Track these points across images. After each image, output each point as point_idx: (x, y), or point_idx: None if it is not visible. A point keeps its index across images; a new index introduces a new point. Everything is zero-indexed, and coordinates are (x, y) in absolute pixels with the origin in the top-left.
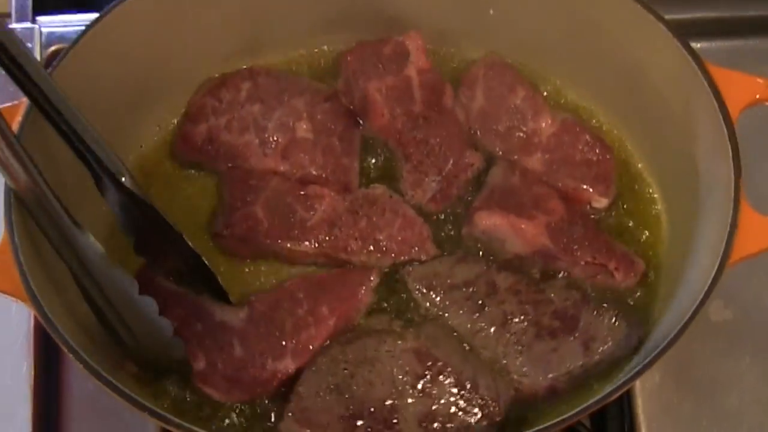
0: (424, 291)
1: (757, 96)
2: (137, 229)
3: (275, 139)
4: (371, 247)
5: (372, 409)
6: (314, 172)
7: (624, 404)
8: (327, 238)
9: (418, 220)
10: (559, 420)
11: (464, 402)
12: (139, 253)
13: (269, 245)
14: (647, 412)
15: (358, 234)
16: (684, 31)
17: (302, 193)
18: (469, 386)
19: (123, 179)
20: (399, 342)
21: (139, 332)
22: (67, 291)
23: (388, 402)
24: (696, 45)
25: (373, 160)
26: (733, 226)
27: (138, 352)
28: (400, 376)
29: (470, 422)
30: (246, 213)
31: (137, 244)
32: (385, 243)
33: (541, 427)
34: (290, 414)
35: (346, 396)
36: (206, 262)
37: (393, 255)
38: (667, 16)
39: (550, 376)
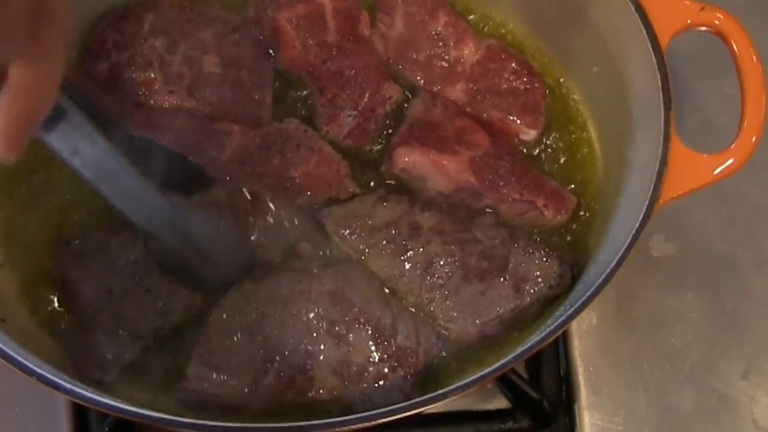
0: (343, 233)
1: (688, 21)
2: None
3: (181, 74)
4: (286, 184)
5: (285, 353)
6: (223, 108)
7: (560, 347)
8: (238, 176)
9: (335, 156)
10: (488, 372)
11: (381, 350)
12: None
13: None
14: (585, 354)
15: (271, 171)
16: None
17: (211, 130)
18: (387, 334)
19: None
20: (315, 283)
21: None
22: None
23: (302, 346)
24: None
25: (292, 93)
26: (663, 162)
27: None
28: (315, 321)
29: (386, 371)
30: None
31: None
32: (300, 180)
33: (467, 380)
34: (198, 357)
35: (258, 338)
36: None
37: (309, 193)
38: None
39: (479, 321)
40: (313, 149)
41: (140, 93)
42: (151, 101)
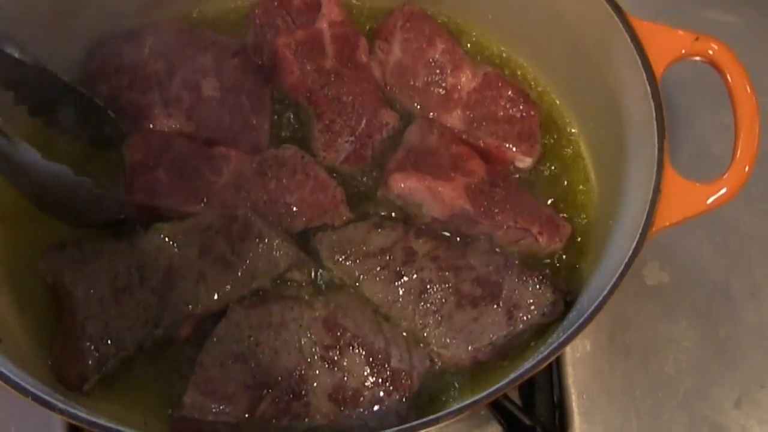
0: (337, 259)
1: (683, 51)
2: (29, 96)
3: (180, 98)
4: (281, 210)
5: (279, 379)
6: (221, 132)
7: (553, 373)
8: (234, 201)
9: (330, 182)
10: (481, 397)
11: (376, 374)
12: (35, 115)
13: (174, 210)
14: (578, 381)
15: (267, 197)
16: None
17: (208, 154)
18: (381, 358)
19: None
20: (307, 310)
21: (80, 205)
22: None
23: (296, 372)
24: None
25: (290, 118)
26: (656, 191)
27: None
28: (309, 346)
29: (381, 395)
30: (149, 178)
31: (31, 110)
32: (295, 206)
33: (461, 405)
34: (194, 385)
35: (252, 364)
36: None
37: (304, 219)
38: None
39: (472, 347)
40: (309, 175)
41: (140, 115)
42: (150, 124)
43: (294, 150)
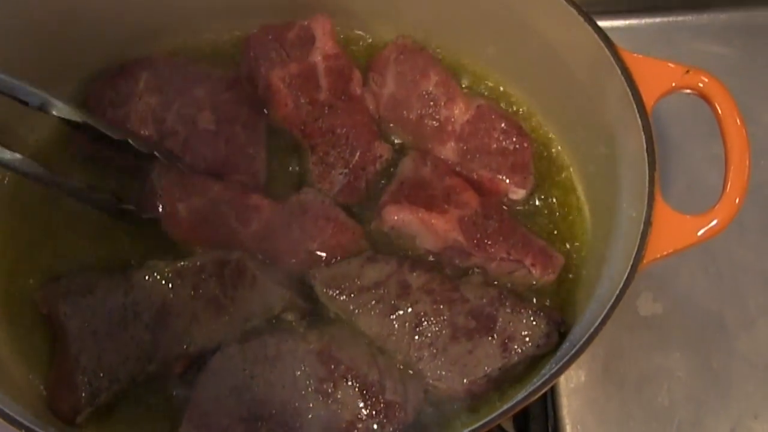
0: (332, 294)
1: (673, 84)
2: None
3: (175, 131)
4: (303, 257)
5: (273, 412)
6: (218, 164)
7: (547, 404)
8: (258, 248)
9: (350, 223)
10: (475, 428)
11: (370, 406)
12: None
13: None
14: (572, 412)
15: (290, 247)
16: (615, 8)
17: (242, 203)
18: (375, 390)
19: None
20: (301, 343)
21: None
22: None
23: (291, 405)
24: (627, 22)
25: (288, 150)
26: (647, 223)
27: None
28: (303, 379)
29: (375, 427)
30: (177, 218)
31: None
32: (318, 251)
33: None
34: (188, 420)
35: (247, 397)
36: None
37: (325, 259)
38: None
39: (467, 380)
40: (330, 218)
41: None
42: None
43: (313, 194)
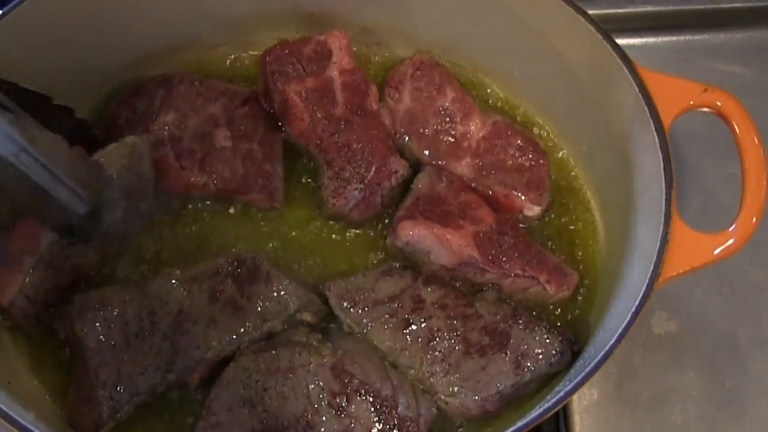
0: (346, 306)
1: (691, 102)
2: None
3: (191, 149)
4: None
5: (286, 424)
6: (236, 182)
7: (560, 422)
8: None
9: None
10: None
11: (383, 422)
12: None
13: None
14: (584, 429)
15: None
16: (632, 26)
17: None
18: (388, 405)
19: None
20: (315, 356)
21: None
22: None
23: (304, 418)
24: (644, 40)
25: (303, 163)
26: (664, 241)
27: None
28: (316, 392)
29: None
30: None
31: None
32: None
33: None
34: (202, 430)
35: (260, 409)
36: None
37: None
38: (613, 11)
39: (479, 397)
40: None
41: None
42: (164, 179)
43: None
